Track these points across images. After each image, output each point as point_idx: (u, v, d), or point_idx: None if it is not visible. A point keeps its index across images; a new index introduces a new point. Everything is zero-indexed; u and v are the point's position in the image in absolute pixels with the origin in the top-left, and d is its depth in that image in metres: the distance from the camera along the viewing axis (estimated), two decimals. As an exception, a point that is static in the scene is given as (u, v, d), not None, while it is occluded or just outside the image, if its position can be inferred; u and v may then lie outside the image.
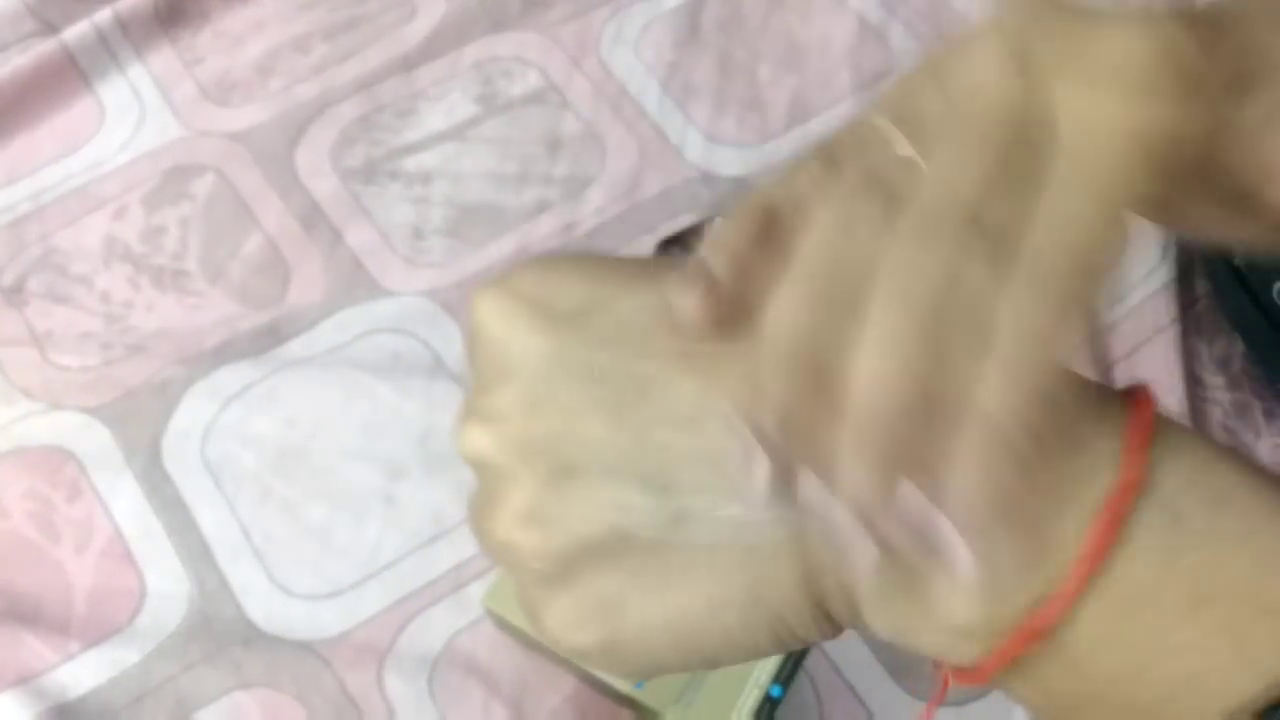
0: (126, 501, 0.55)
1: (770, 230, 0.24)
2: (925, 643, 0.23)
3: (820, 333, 0.22)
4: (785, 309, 0.22)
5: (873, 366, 0.21)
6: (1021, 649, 0.22)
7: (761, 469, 0.22)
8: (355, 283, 0.61)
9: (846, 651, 0.53)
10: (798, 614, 0.24)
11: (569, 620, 0.24)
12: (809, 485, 0.22)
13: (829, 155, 0.25)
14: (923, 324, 0.21)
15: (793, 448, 0.22)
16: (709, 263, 0.24)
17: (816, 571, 0.23)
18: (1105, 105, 0.23)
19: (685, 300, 0.23)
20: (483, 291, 0.26)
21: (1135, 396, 0.23)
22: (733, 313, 0.23)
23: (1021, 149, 0.23)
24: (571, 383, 0.24)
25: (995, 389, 0.21)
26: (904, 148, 0.24)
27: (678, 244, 0.58)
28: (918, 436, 0.21)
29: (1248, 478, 0.22)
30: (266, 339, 0.59)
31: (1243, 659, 0.21)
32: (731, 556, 0.23)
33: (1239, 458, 0.23)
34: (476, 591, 0.53)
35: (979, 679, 0.23)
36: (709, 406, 0.23)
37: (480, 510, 0.25)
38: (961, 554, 0.21)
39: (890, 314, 0.21)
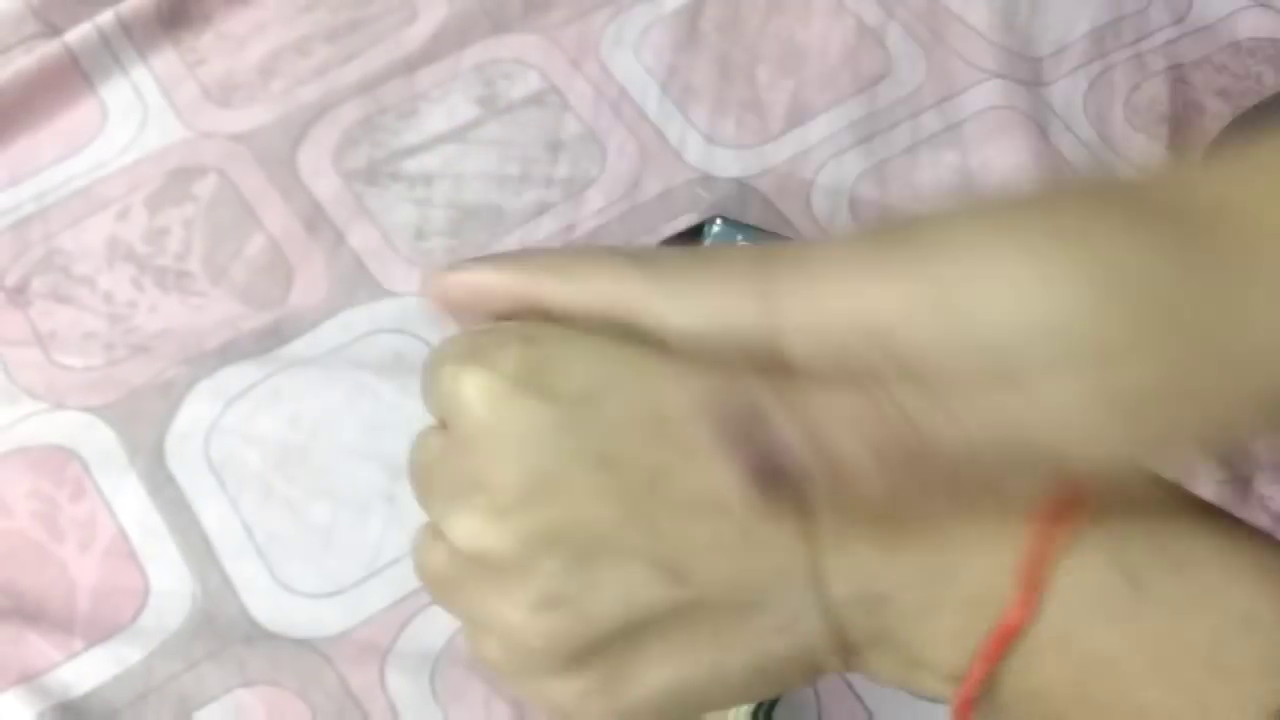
0: (130, 501, 0.55)
1: None
2: (921, 689, 0.25)
3: None
4: None
5: None
6: (978, 684, 0.23)
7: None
8: (357, 283, 0.61)
9: (846, 649, 0.53)
10: (797, 675, 0.25)
11: (575, 693, 0.24)
12: None
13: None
14: None
15: None
16: None
17: (815, 650, 0.24)
18: None
19: None
20: (462, 370, 0.25)
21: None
22: None
23: None
24: (580, 471, 0.23)
25: None
26: None
27: (678, 244, 0.58)
28: None
29: (1211, 541, 0.23)
30: (269, 339, 0.59)
31: (1205, 719, 0.21)
32: (735, 631, 0.24)
33: (1209, 515, 0.23)
34: (478, 590, 0.53)
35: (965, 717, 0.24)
36: (723, 495, 0.23)
37: (477, 602, 0.24)
38: None
39: None
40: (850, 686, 0.52)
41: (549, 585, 0.23)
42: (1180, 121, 0.68)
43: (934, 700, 0.25)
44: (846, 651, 0.25)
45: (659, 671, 0.24)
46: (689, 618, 0.24)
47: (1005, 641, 0.22)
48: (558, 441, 0.23)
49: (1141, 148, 0.67)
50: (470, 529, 0.24)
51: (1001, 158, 0.65)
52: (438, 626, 0.53)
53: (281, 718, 0.51)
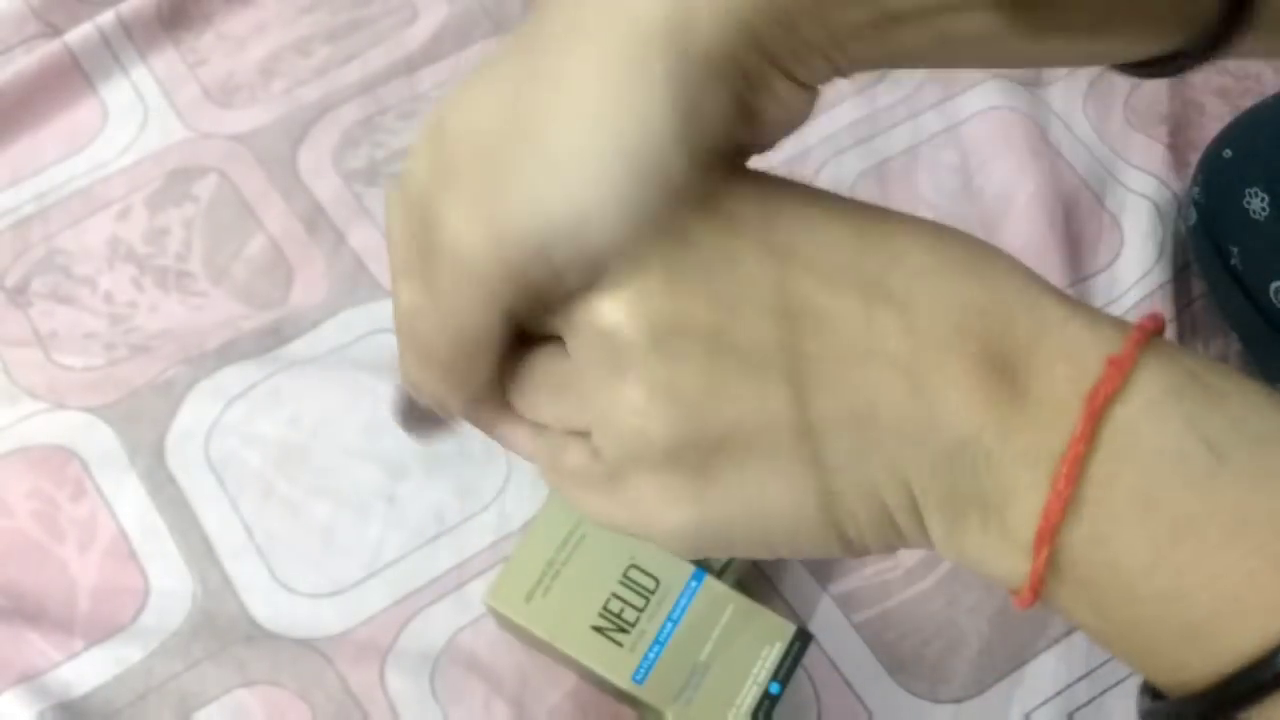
0: (130, 500, 0.55)
1: None
2: (983, 567, 0.25)
3: None
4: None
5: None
6: (1044, 550, 0.23)
7: None
8: (357, 283, 0.61)
9: (845, 649, 0.53)
10: (869, 523, 0.25)
11: (658, 490, 0.25)
12: None
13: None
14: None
15: None
16: None
17: (888, 508, 0.25)
18: None
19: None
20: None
21: (1140, 324, 0.24)
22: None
23: None
24: (746, 285, 0.24)
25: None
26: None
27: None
28: None
29: None
30: (269, 339, 0.59)
31: None
32: (831, 469, 0.25)
33: None
34: (478, 590, 0.53)
35: (1033, 595, 0.24)
36: (898, 348, 0.24)
37: (598, 378, 0.25)
38: None
39: None
40: (849, 684, 0.52)
41: (676, 374, 0.24)
42: (1180, 121, 0.68)
43: (1001, 583, 0.25)
44: (920, 514, 0.25)
45: (745, 490, 0.25)
46: (794, 446, 0.24)
47: (1074, 468, 0.23)
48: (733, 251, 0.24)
49: (1141, 148, 0.67)
50: (607, 313, 0.24)
51: (1001, 158, 0.65)
52: (437, 626, 0.53)
53: (281, 718, 0.51)
